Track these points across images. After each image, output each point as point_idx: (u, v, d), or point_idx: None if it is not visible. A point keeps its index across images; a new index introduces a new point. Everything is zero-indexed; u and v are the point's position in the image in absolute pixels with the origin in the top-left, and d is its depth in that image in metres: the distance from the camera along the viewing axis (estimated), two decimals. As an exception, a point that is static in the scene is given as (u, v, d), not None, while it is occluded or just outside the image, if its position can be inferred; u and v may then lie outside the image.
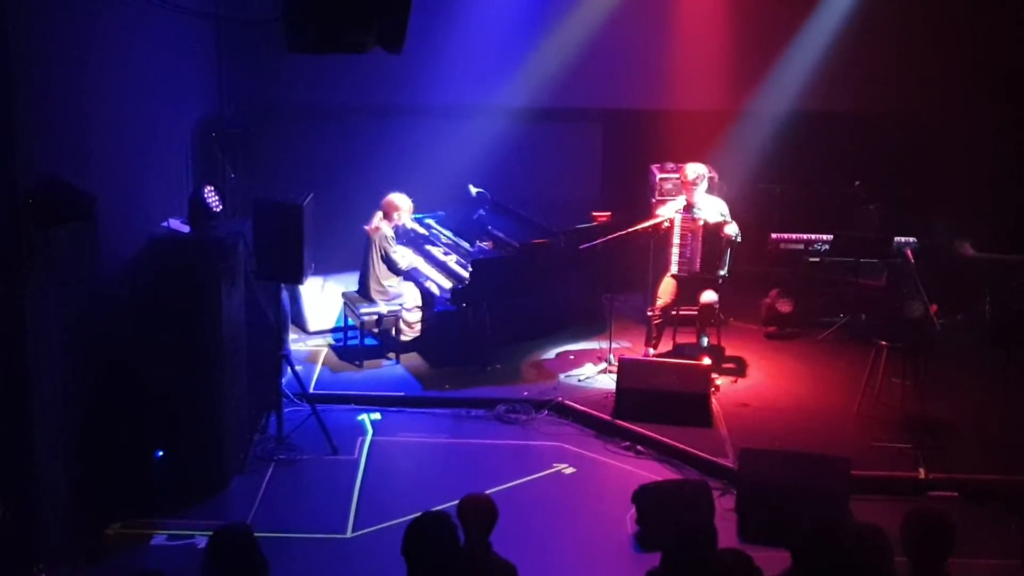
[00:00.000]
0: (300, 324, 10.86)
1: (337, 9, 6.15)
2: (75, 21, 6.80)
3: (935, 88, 11.29)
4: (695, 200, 9.80)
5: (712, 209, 9.81)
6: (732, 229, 9.68)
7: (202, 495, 7.87)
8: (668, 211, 9.96)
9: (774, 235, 11.14)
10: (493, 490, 7.77)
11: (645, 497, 7.60)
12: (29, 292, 5.97)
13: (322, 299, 10.91)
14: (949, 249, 11.11)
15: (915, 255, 9.56)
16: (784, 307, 11.07)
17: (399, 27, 6.26)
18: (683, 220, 9.80)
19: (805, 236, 11.08)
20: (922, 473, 8.16)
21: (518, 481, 8.27)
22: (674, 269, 9.90)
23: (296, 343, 10.53)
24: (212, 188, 8.11)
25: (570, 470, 8.54)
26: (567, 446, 8.89)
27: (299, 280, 8.60)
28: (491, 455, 8.77)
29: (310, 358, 10.37)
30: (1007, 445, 8.58)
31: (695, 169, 9.79)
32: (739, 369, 10.14)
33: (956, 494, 8.02)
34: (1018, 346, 10.03)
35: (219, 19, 10.17)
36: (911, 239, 10.56)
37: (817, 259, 11.08)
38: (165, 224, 8.21)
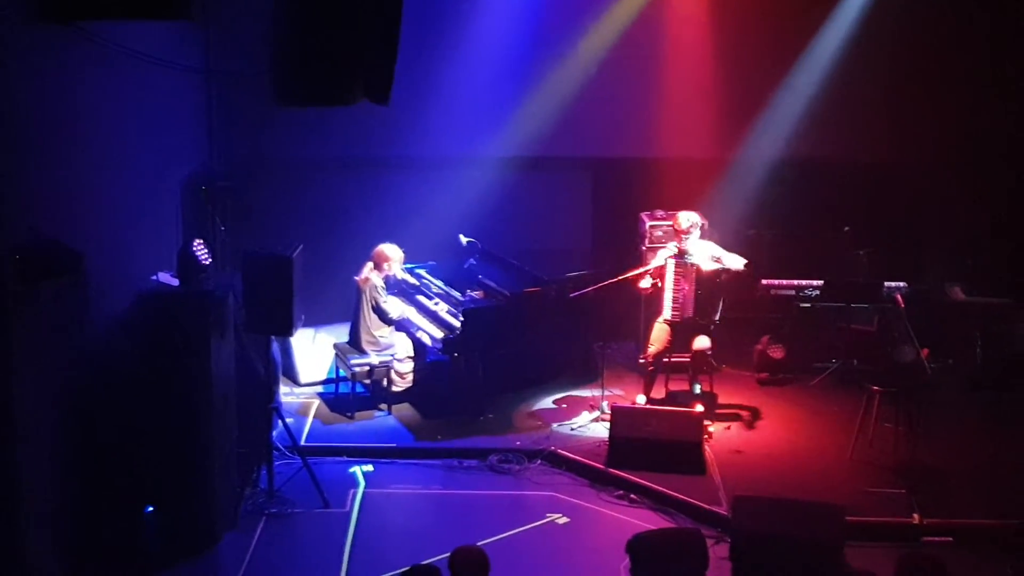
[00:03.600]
0: (291, 376, 10.83)
1: (323, 62, 6.21)
2: (64, 76, 6.85)
3: (922, 135, 11.42)
4: (687, 247, 9.83)
5: (704, 254, 9.83)
6: (734, 262, 9.67)
7: (193, 551, 7.79)
8: (660, 258, 9.98)
9: (764, 281, 11.17)
10: (486, 541, 7.72)
11: (639, 546, 7.48)
12: (16, 348, 5.94)
13: (313, 351, 10.89)
14: (939, 293, 11.13)
15: (905, 300, 9.58)
16: (776, 353, 11.08)
17: (385, 79, 6.31)
18: (676, 266, 9.81)
19: (796, 282, 11.11)
20: (916, 518, 8.12)
21: (511, 532, 8.20)
22: (668, 315, 9.90)
23: (288, 396, 10.49)
24: (201, 241, 8.12)
25: (564, 520, 8.48)
26: (560, 496, 8.84)
27: (289, 332, 8.60)
28: (484, 506, 8.71)
29: (302, 410, 10.34)
30: (1001, 489, 8.54)
31: (688, 218, 9.82)
32: (732, 416, 10.12)
33: (951, 539, 7.97)
34: (1010, 390, 10.02)
35: (208, 74, 10.26)
36: (901, 284, 10.60)
37: (808, 304, 11.10)
38: (154, 278, 8.21)
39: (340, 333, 10.70)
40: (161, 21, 6.10)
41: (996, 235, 11.19)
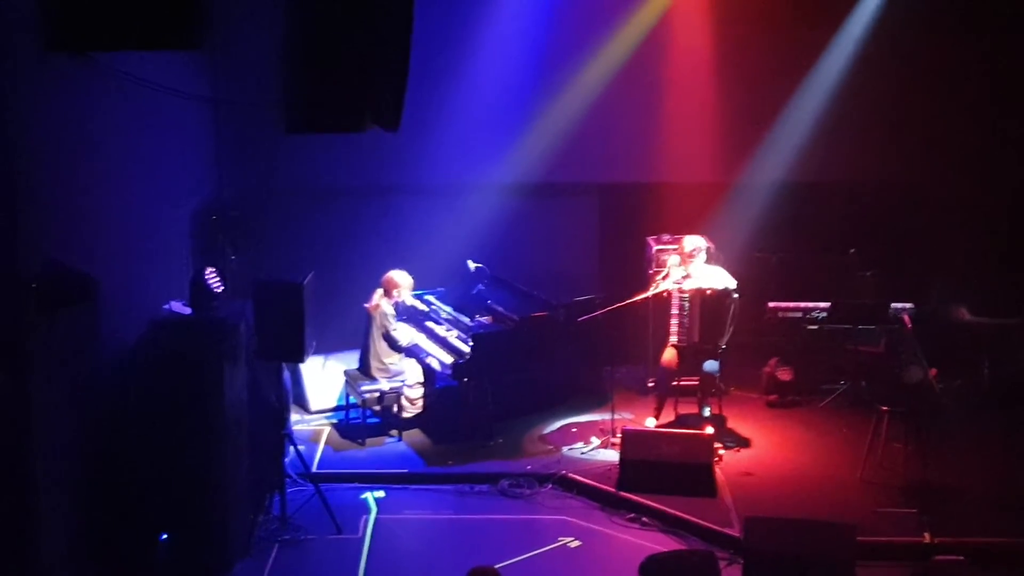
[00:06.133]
0: (302, 403, 10.88)
1: (333, 90, 6.29)
2: (76, 106, 6.93)
3: (926, 155, 11.49)
4: (693, 271, 9.88)
5: (711, 279, 9.87)
6: (726, 282, 9.71)
7: (207, 579, 7.83)
8: (667, 283, 10.03)
9: (771, 304, 11.20)
10: (499, 566, 7.60)
11: (652, 568, 7.51)
12: (33, 376, 5.99)
13: (323, 378, 10.95)
14: (945, 314, 11.16)
15: (912, 320, 9.61)
16: (784, 375, 11.12)
17: (395, 105, 6.39)
18: (680, 291, 9.87)
19: (803, 304, 11.13)
20: (927, 537, 8.12)
21: (524, 556, 8.21)
22: (673, 339, 9.95)
23: (298, 423, 10.53)
24: (213, 270, 8.19)
25: (576, 543, 8.49)
26: (572, 519, 8.86)
27: (301, 359, 8.64)
28: (496, 530, 8.73)
29: (313, 437, 10.38)
30: (1011, 507, 8.55)
31: (693, 242, 9.90)
32: (742, 438, 10.14)
33: (962, 558, 7.96)
34: (1018, 409, 10.04)
35: (217, 103, 10.37)
36: (907, 305, 10.61)
37: (815, 326, 11.11)
38: (167, 307, 8.29)
39: (350, 360, 10.76)
40: (173, 51, 6.15)
41: (1001, 255, 11.22)
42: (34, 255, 6.06)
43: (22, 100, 5.88)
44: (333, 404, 10.93)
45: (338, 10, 5.95)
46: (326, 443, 10.29)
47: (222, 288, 8.19)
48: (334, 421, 10.76)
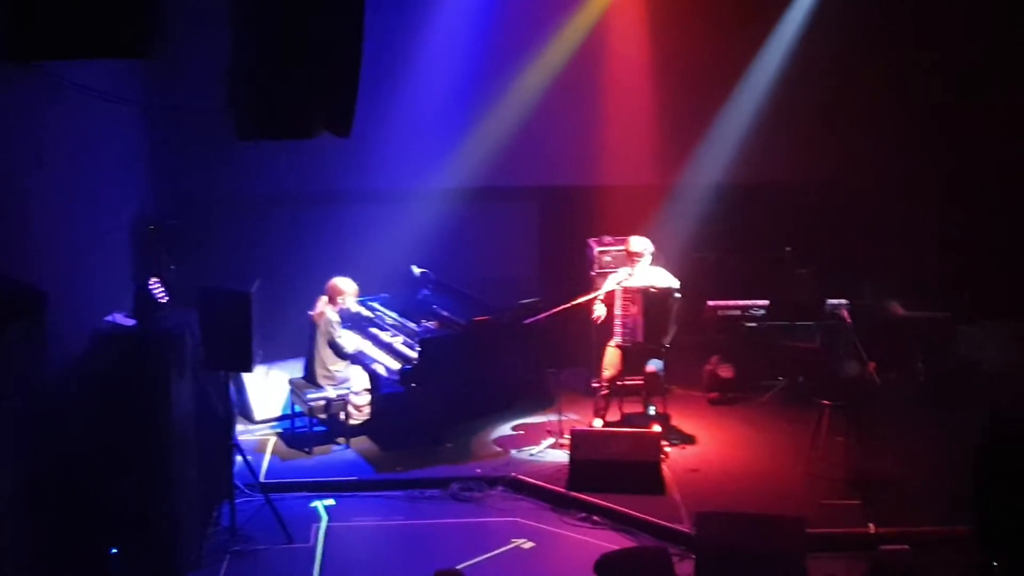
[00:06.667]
0: (246, 414, 10.77)
1: (285, 96, 6.26)
2: (22, 116, 6.81)
3: (859, 156, 11.77)
4: (637, 272, 9.99)
5: (655, 279, 9.98)
6: (669, 282, 9.83)
7: (158, 592, 7.73)
8: (610, 283, 10.13)
9: (711, 302, 11.38)
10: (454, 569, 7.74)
11: (607, 566, 7.58)
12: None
13: (267, 387, 10.85)
14: (879, 309, 11.43)
15: (851, 316, 9.82)
16: (725, 373, 11.30)
17: (346, 111, 6.37)
18: (624, 292, 9.97)
19: (742, 302, 11.33)
20: (872, 528, 8.31)
21: (478, 559, 8.24)
22: (617, 340, 10.05)
23: (243, 434, 10.42)
24: (157, 280, 8.10)
25: (529, 544, 8.55)
26: (524, 521, 8.92)
27: (248, 368, 8.57)
28: (449, 534, 8.75)
29: (258, 447, 10.28)
30: (951, 496, 8.75)
31: (639, 243, 10.01)
32: (686, 435, 10.28)
33: (907, 547, 8.15)
34: (952, 400, 10.31)
35: (152, 110, 10.21)
36: (842, 301, 10.85)
37: (754, 324, 11.32)
38: (109, 318, 8.16)
39: (294, 369, 10.69)
40: (123, 59, 6.07)
41: (932, 251, 11.51)
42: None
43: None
44: (278, 413, 10.85)
45: (289, 15, 5.92)
46: (272, 453, 10.21)
47: (167, 298, 8.09)
48: (279, 431, 10.68)
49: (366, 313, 10.68)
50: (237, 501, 8.68)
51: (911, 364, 11.08)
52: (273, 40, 6.08)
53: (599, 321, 10.02)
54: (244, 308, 8.20)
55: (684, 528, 8.49)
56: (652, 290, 9.85)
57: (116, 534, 7.56)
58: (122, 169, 9.70)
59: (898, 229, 11.62)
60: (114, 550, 7.54)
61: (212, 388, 8.82)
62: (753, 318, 11.32)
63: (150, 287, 7.94)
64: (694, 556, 7.87)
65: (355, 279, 10.41)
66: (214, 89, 7.74)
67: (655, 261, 10.68)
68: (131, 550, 7.59)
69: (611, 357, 10.11)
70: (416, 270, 10.83)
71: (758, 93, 11.82)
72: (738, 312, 11.36)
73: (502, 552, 8.41)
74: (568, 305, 10.04)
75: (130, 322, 8.14)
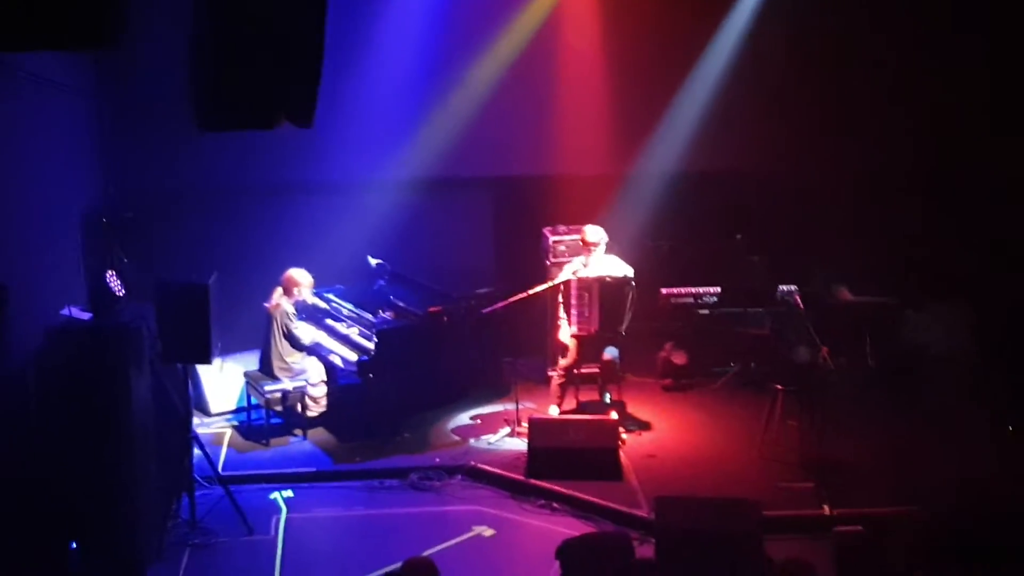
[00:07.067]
0: (201, 407, 10.69)
1: (246, 86, 6.20)
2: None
3: (805, 143, 11.92)
4: (592, 261, 10.06)
5: (610, 268, 10.06)
6: (624, 271, 9.92)
7: (118, 586, 7.68)
8: (565, 273, 10.19)
9: (664, 290, 11.49)
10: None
11: (569, 552, 7.65)
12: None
13: (222, 380, 10.79)
14: (828, 294, 11.61)
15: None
16: (679, 359, 11.43)
17: (308, 100, 6.33)
18: (579, 281, 10.03)
19: (694, 289, 11.46)
20: (827, 510, 8.48)
21: (439, 547, 8.27)
22: (573, 329, 10.11)
23: (199, 426, 10.31)
24: (113, 272, 8.02)
25: (490, 532, 8.61)
26: (484, 509, 8.97)
27: (207, 360, 8.52)
28: (409, 523, 8.78)
29: (215, 440, 10.22)
30: (902, 477, 8.96)
31: (595, 231, 10.07)
32: (642, 422, 10.39)
33: (860, 528, 8.32)
34: (901, 383, 10.52)
35: (101, 99, 10.09)
36: (792, 287, 10.99)
37: (707, 311, 11.46)
38: (65, 312, 8.07)
39: (248, 361, 10.64)
40: (87, 52, 6.00)
41: (881, 237, 11.72)
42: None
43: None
44: (233, 406, 10.80)
45: (251, 2, 5.87)
46: (229, 445, 10.16)
47: (123, 292, 8.02)
48: (235, 423, 10.62)
49: (322, 304, 10.66)
50: (196, 494, 8.63)
51: (860, 349, 11.28)
52: (234, 29, 6.02)
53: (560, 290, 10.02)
54: (202, 300, 8.15)
55: (643, 513, 8.60)
56: (607, 279, 9.92)
57: (76, 528, 7.48)
58: (74, 160, 9.58)
59: (847, 216, 11.79)
60: (74, 544, 7.47)
61: (169, 381, 8.76)
62: (705, 305, 11.45)
63: (107, 280, 7.85)
64: (653, 540, 7.99)
65: (311, 270, 10.39)
66: (169, 79, 7.71)
67: (609, 250, 10.79)
68: (91, 544, 7.52)
69: (567, 345, 10.18)
70: (372, 261, 10.82)
71: (709, 82, 11.95)
72: (691, 299, 11.48)
73: (463, 540, 8.46)
74: (524, 295, 10.09)
75: (86, 316, 8.06)
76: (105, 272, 7.95)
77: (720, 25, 11.95)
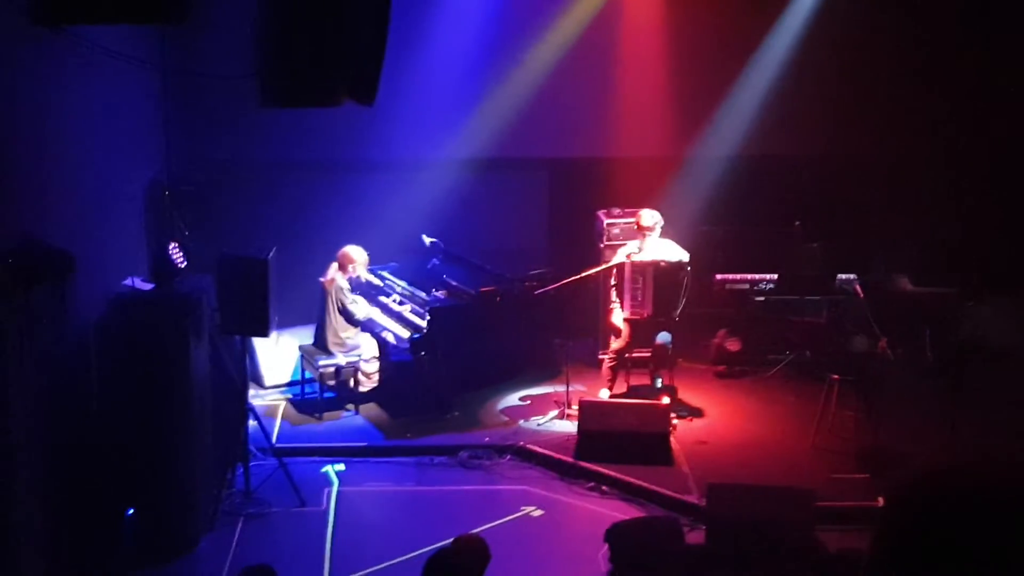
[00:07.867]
0: (256, 379, 10.81)
1: (310, 63, 6.27)
2: (51, 79, 6.81)
3: (869, 129, 11.76)
4: (647, 245, 10.01)
5: (665, 252, 10.01)
6: (679, 255, 9.86)
7: (173, 554, 7.82)
8: (620, 256, 10.16)
9: (719, 276, 11.42)
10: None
11: (618, 534, 7.71)
12: (11, 355, 5.91)
13: (277, 353, 10.90)
14: (888, 284, 11.48)
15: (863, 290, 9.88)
16: (732, 346, 11.35)
17: (371, 79, 6.39)
18: (633, 265, 9.99)
19: (750, 276, 11.37)
20: (881, 502, 8.37)
21: (488, 525, 8.30)
22: (627, 313, 10.09)
23: (253, 398, 10.46)
24: (176, 244, 8.13)
25: (538, 512, 8.63)
26: (533, 489, 9.00)
27: (265, 333, 8.65)
28: (458, 501, 8.85)
29: (268, 412, 10.34)
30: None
31: (650, 215, 10.01)
32: (694, 408, 10.35)
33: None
34: (960, 375, 10.37)
35: (166, 74, 10.19)
36: (851, 276, 10.90)
37: (762, 298, 11.37)
38: (127, 282, 8.19)
39: (303, 335, 10.74)
40: (153, 25, 6.07)
41: (940, 227, 11.55)
42: (9, 230, 5.97)
43: (6, 74, 5.76)
44: (287, 379, 10.91)
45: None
46: (283, 418, 10.28)
47: (185, 263, 8.13)
48: (289, 396, 10.74)
49: (376, 281, 10.72)
50: (251, 464, 8.75)
51: (918, 340, 11.14)
52: (300, 7, 6.08)
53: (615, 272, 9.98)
54: (262, 274, 8.26)
55: (693, 499, 8.57)
56: (662, 263, 9.88)
57: (132, 495, 7.62)
58: (139, 133, 9.70)
59: (909, 204, 11.62)
60: (130, 511, 7.60)
61: (226, 353, 8.89)
62: (761, 292, 11.37)
63: (169, 251, 7.96)
64: (704, 527, 7.99)
65: (366, 247, 10.45)
66: (234, 54, 7.77)
67: (664, 233, 10.74)
68: (147, 511, 7.65)
69: (620, 329, 10.16)
70: (426, 240, 10.86)
71: (772, 65, 11.80)
72: (746, 286, 11.41)
73: (512, 519, 8.50)
74: (577, 277, 10.08)
75: (148, 286, 8.18)
76: (167, 243, 8.06)
77: (785, 6, 11.79)
